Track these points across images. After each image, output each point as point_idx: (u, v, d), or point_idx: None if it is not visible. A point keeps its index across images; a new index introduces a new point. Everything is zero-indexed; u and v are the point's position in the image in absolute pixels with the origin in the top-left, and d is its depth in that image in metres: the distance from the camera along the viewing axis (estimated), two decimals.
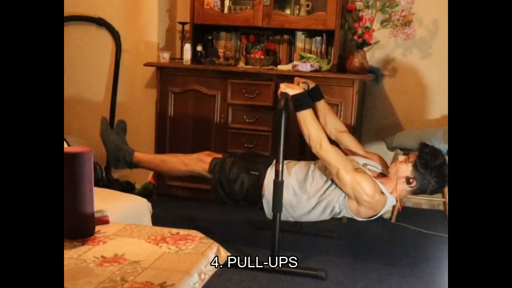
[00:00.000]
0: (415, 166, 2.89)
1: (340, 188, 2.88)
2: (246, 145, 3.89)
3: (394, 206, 3.91)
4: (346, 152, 3.18)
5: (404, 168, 2.91)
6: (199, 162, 3.22)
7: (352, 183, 2.81)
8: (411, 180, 2.89)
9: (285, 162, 3.00)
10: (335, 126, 3.24)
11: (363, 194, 2.82)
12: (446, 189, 3.86)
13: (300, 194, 2.96)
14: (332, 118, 3.25)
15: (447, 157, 3.00)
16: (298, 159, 3.49)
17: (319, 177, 2.97)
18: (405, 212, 4.06)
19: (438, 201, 4.14)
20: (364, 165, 3.04)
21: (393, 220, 3.90)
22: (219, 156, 3.25)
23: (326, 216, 3.01)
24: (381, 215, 3.97)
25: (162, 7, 4.28)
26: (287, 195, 2.95)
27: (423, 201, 4.23)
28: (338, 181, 2.86)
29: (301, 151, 3.51)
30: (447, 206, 3.89)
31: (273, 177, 2.93)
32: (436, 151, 2.95)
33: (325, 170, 2.97)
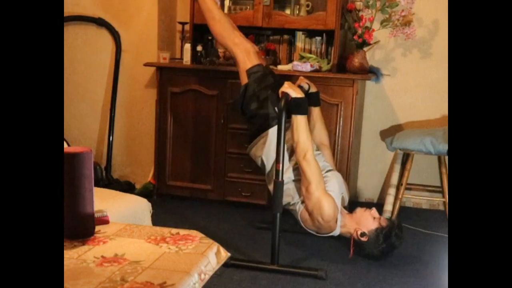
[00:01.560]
0: (376, 230, 2.99)
1: (304, 200, 3.00)
2: (246, 145, 3.89)
3: (394, 206, 3.92)
4: None
5: (370, 222, 3.02)
6: (245, 52, 3.26)
7: (316, 201, 2.94)
8: (365, 236, 3.00)
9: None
10: (320, 137, 3.34)
11: (319, 216, 2.95)
12: (446, 189, 3.87)
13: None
14: (321, 128, 3.35)
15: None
16: None
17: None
18: (405, 212, 4.07)
19: (438, 201, 4.14)
20: (340, 193, 3.14)
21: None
22: (263, 63, 3.30)
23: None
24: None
25: (162, 7, 4.28)
26: None
27: (423, 201, 4.23)
28: (306, 193, 2.97)
29: None
30: (447, 206, 3.89)
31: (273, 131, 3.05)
32: (402, 237, 3.06)
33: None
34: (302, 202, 3.04)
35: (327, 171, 3.16)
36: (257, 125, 3.21)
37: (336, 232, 3.06)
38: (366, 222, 3.02)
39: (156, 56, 4.21)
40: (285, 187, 2.97)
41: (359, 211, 3.09)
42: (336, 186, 3.10)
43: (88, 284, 1.52)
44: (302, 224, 3.08)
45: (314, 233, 3.10)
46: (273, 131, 3.09)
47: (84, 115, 4.52)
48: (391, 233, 2.99)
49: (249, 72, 3.18)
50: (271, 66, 3.95)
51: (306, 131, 2.96)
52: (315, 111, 3.30)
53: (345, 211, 3.13)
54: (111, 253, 1.74)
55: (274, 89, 3.16)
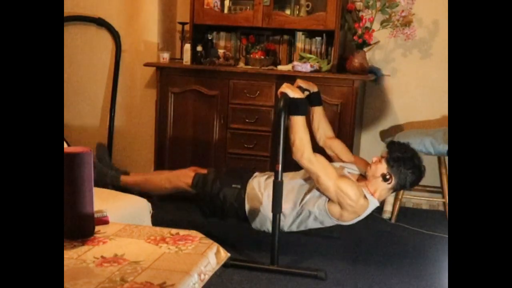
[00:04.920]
0: (388, 162, 2.95)
1: (323, 193, 2.94)
2: (246, 146, 3.89)
3: (393, 207, 3.92)
4: (333, 159, 3.26)
5: (379, 167, 2.98)
6: (182, 177, 3.28)
7: (335, 189, 2.88)
8: (387, 176, 2.95)
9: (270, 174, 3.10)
10: (326, 133, 3.31)
11: (347, 199, 2.88)
12: (446, 190, 3.86)
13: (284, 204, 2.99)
14: (325, 126, 3.31)
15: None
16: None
17: (300, 187, 3.05)
18: (405, 212, 4.07)
19: (438, 201, 4.14)
20: (341, 167, 3.10)
21: (393, 220, 3.90)
22: (204, 171, 3.29)
23: (309, 224, 3.05)
24: (383, 217, 3.99)
25: (162, 7, 4.28)
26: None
27: (423, 201, 4.23)
28: (320, 186, 2.92)
29: None
30: (447, 206, 3.89)
31: (254, 186, 3.05)
32: (404, 144, 3.06)
33: (307, 179, 3.06)
34: (324, 203, 2.96)
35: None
36: (239, 203, 3.13)
37: (376, 203, 2.97)
38: (378, 170, 2.96)
39: (156, 56, 4.21)
40: (303, 214, 2.99)
41: (367, 170, 3.04)
42: (335, 165, 3.08)
43: (87, 284, 1.52)
44: (341, 221, 2.98)
45: (356, 220, 2.99)
46: (249, 185, 3.10)
47: (84, 115, 4.52)
48: (397, 154, 2.95)
49: (195, 186, 3.21)
50: (271, 67, 3.95)
51: (302, 130, 2.91)
52: (318, 111, 3.28)
53: (363, 181, 3.04)
54: (111, 253, 1.74)
55: (219, 176, 3.21)
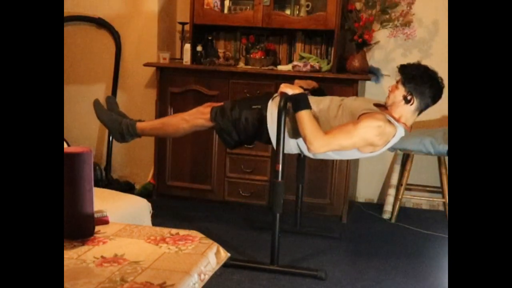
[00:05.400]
0: (404, 84, 2.89)
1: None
2: (245, 146, 3.89)
3: (393, 207, 3.92)
4: None
5: (397, 92, 2.91)
6: (199, 114, 3.20)
7: (360, 138, 2.80)
8: (408, 97, 2.89)
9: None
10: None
11: (374, 136, 2.81)
12: (446, 190, 3.86)
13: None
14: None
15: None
16: (298, 159, 3.50)
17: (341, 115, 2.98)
18: (405, 212, 4.07)
19: (438, 201, 4.14)
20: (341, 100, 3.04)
21: (393, 220, 3.90)
22: (219, 104, 3.22)
23: (334, 153, 2.98)
24: (383, 217, 3.99)
25: (162, 7, 4.28)
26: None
27: (423, 201, 4.23)
28: (349, 149, 2.86)
29: None
30: (447, 206, 3.89)
31: (274, 107, 2.96)
32: (414, 63, 2.98)
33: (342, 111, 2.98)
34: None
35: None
36: (261, 122, 3.06)
37: (401, 130, 2.90)
38: (397, 94, 2.89)
39: (156, 56, 4.21)
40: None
41: (386, 100, 2.97)
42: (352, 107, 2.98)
43: (87, 284, 1.52)
44: (374, 152, 2.94)
45: (387, 146, 2.93)
46: (270, 105, 3.04)
47: (84, 115, 4.51)
48: (410, 73, 2.89)
49: (214, 118, 3.11)
50: (271, 67, 3.95)
51: (309, 122, 2.82)
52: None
53: (386, 110, 2.95)
54: (111, 253, 1.74)
55: (236, 102, 3.16)
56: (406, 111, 2.91)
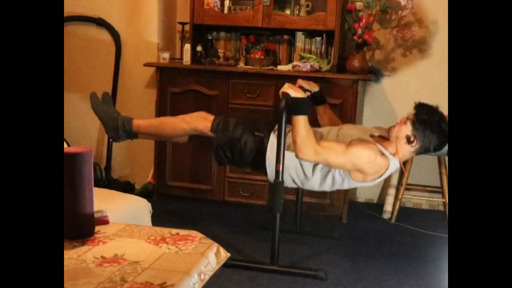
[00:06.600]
0: (414, 125, 2.87)
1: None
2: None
3: (393, 207, 3.92)
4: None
5: (404, 129, 2.89)
6: (201, 119, 3.14)
7: (349, 161, 2.82)
8: (411, 139, 2.87)
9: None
10: (334, 123, 3.28)
11: (364, 163, 2.82)
12: (446, 190, 3.86)
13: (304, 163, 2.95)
14: (334, 122, 3.28)
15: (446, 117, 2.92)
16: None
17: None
18: (405, 212, 4.07)
19: (438, 201, 4.14)
20: (340, 128, 3.06)
21: (393, 220, 3.90)
22: (221, 116, 3.20)
23: (327, 186, 3.00)
24: (383, 217, 4.00)
25: (162, 7, 4.28)
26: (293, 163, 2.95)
27: (423, 201, 4.23)
28: (335, 167, 2.88)
29: None
30: (447, 206, 3.89)
31: (275, 141, 2.93)
32: (433, 107, 2.93)
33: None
34: (338, 173, 2.93)
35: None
36: (260, 151, 3.06)
37: (395, 163, 2.89)
38: (403, 131, 2.88)
39: (156, 56, 4.21)
40: (322, 173, 2.94)
41: (391, 131, 2.95)
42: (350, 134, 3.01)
43: (87, 284, 1.52)
44: (365, 183, 2.94)
45: (380, 179, 2.93)
46: (272, 137, 3.03)
47: (84, 115, 4.51)
48: (424, 117, 2.86)
49: (215, 130, 3.08)
50: (271, 67, 3.95)
51: (303, 130, 2.84)
52: (324, 109, 3.28)
53: (383, 142, 2.95)
54: (111, 253, 1.74)
55: (241, 122, 3.13)
56: (404, 149, 2.92)
